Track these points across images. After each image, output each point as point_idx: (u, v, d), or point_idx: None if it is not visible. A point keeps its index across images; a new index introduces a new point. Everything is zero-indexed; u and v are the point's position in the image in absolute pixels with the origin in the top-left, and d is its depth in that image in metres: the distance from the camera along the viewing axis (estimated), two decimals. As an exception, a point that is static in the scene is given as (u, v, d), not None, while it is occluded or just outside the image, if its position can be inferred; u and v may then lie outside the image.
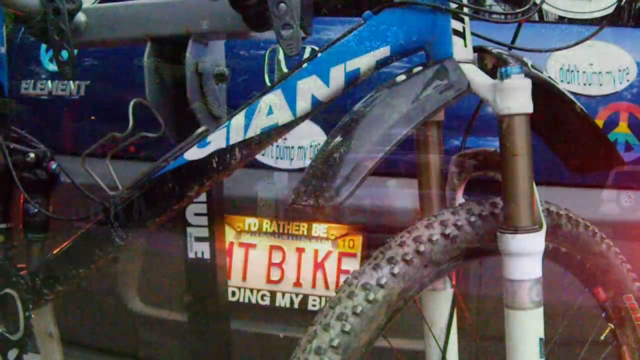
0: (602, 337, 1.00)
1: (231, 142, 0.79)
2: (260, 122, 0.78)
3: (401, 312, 0.71)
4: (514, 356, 0.74)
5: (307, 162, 1.26)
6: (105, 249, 0.88)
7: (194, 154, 0.81)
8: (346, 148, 0.69)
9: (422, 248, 0.70)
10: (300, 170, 1.27)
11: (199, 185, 0.83)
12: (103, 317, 1.39)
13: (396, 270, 0.68)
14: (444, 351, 0.83)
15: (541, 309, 0.73)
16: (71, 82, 1.39)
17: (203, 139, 0.81)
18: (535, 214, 0.72)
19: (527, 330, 0.73)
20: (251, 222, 1.30)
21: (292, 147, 1.26)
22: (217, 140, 0.80)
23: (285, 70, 1.25)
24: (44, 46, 1.44)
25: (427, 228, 0.72)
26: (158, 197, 0.84)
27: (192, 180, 0.82)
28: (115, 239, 0.86)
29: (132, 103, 0.85)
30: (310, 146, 1.25)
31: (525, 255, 0.71)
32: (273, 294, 1.30)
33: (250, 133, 0.78)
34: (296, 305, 1.29)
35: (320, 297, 1.27)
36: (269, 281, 1.30)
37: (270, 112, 0.78)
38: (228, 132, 0.79)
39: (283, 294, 1.29)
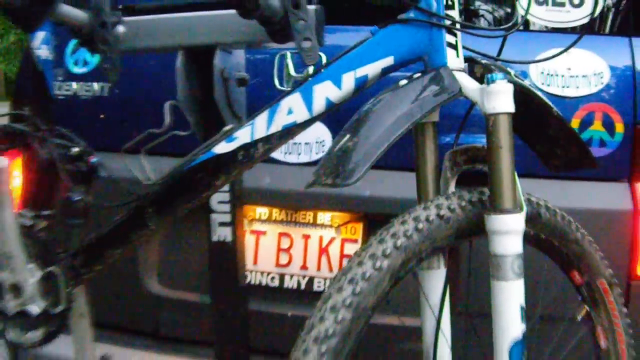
0: (579, 318, 1.13)
1: (255, 137, 0.91)
2: (281, 120, 0.90)
3: (402, 280, 0.84)
4: (499, 322, 0.87)
5: (313, 157, 1.39)
6: (140, 233, 1.00)
7: (222, 148, 0.93)
8: (357, 139, 0.82)
9: (420, 226, 0.83)
10: (307, 164, 1.39)
11: (226, 176, 0.95)
12: (124, 299, 1.50)
13: (399, 243, 0.81)
14: (438, 323, 0.95)
15: (522, 281, 0.86)
16: (95, 83, 1.51)
17: (230, 135, 0.93)
18: (517, 199, 0.85)
19: (510, 298, 0.86)
20: (262, 211, 1.43)
21: (300, 143, 1.38)
22: (242, 136, 0.92)
23: (292, 74, 1.38)
24: (68, 51, 1.55)
25: (424, 210, 0.85)
26: (189, 186, 0.96)
27: (220, 171, 0.94)
28: (149, 223, 0.99)
29: (167, 104, 0.97)
30: (316, 142, 1.38)
31: (508, 234, 0.84)
32: (282, 277, 1.42)
33: (272, 130, 0.91)
34: (303, 287, 1.41)
35: (324, 279, 1.40)
36: (277, 265, 1.43)
37: (290, 112, 0.90)
38: (253, 129, 0.91)
39: (291, 276, 1.42)
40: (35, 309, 1.01)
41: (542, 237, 0.97)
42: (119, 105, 1.48)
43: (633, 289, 1.33)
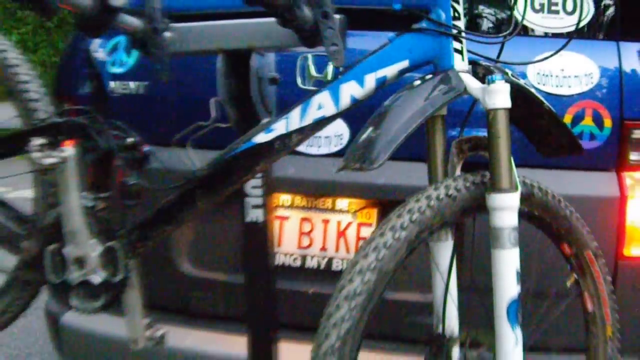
0: (568, 284, 1.30)
1: (290, 129, 1.08)
2: (313, 114, 1.07)
3: (416, 250, 1.01)
4: (499, 285, 1.04)
5: (332, 149, 1.56)
6: (188, 212, 1.17)
7: (261, 138, 1.09)
8: (380, 131, 0.99)
9: (432, 203, 1.00)
10: (326, 155, 1.56)
11: (265, 162, 1.12)
12: (157, 279, 1.67)
13: (414, 218, 0.98)
14: (446, 287, 1.12)
15: (517, 249, 1.03)
16: (131, 82, 1.67)
17: (268, 127, 1.10)
18: (512, 180, 1.02)
19: (507, 264, 1.02)
20: (285, 198, 1.60)
21: (320, 137, 1.55)
22: (279, 128, 1.08)
23: (313, 74, 1.55)
24: (107, 50, 1.72)
25: (435, 190, 1.02)
26: (232, 171, 1.13)
27: (259, 158, 1.11)
28: (197, 204, 1.15)
29: (212, 100, 1.14)
30: (335, 136, 1.54)
31: (505, 209, 1.01)
32: (303, 258, 1.59)
33: (305, 122, 1.07)
34: (322, 267, 1.58)
35: (342, 259, 1.57)
36: (299, 247, 1.59)
37: (320, 107, 1.07)
38: (288, 122, 1.08)
39: (311, 257, 1.59)
40: (97, 279, 1.18)
41: (535, 213, 1.14)
42: (153, 102, 1.64)
43: (620, 267, 1.49)
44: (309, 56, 1.54)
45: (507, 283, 1.03)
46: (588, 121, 1.48)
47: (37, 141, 1.12)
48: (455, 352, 1.13)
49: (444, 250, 1.11)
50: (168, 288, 1.67)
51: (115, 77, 1.71)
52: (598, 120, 1.48)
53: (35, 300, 1.39)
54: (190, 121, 1.20)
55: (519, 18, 1.21)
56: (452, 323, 1.13)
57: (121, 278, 1.18)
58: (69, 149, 1.15)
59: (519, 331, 1.03)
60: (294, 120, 1.08)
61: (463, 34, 1.05)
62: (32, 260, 1.23)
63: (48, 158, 1.12)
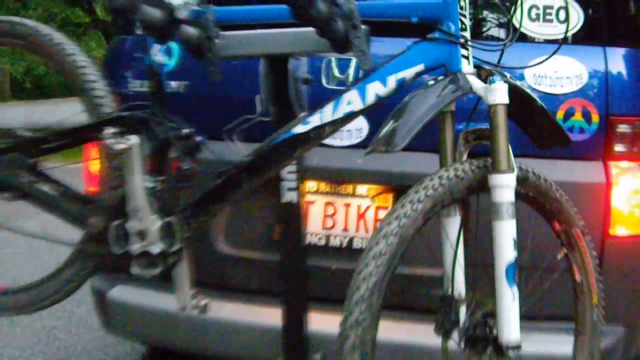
0: (559, 257, 1.52)
1: (324, 121, 1.30)
2: (343, 109, 1.29)
3: (430, 220, 1.23)
4: (498, 251, 1.26)
5: (353, 141, 1.78)
6: (235, 193, 1.40)
7: (299, 129, 1.32)
8: (401, 121, 1.22)
9: (443, 182, 1.22)
10: (347, 147, 1.78)
11: (301, 150, 1.35)
12: (196, 258, 1.89)
13: (428, 193, 1.20)
14: (455, 254, 1.35)
15: (514, 221, 1.25)
16: (172, 81, 1.90)
17: (304, 120, 1.32)
18: (510, 164, 1.25)
19: (505, 233, 1.25)
20: (311, 185, 1.82)
21: (342, 130, 1.76)
22: (314, 120, 1.31)
23: (337, 75, 1.78)
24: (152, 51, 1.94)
25: (446, 172, 1.25)
26: (274, 158, 1.36)
27: (297, 146, 1.34)
28: (243, 186, 1.38)
29: (257, 97, 1.37)
30: (355, 130, 1.77)
31: (504, 187, 1.24)
32: (327, 237, 1.82)
33: (336, 116, 1.30)
34: (344, 245, 1.81)
35: (362, 239, 1.79)
36: (324, 228, 1.82)
37: (349, 103, 1.29)
38: (322, 115, 1.30)
39: (334, 237, 1.82)
40: (155, 249, 1.40)
41: (530, 194, 1.36)
42: (191, 99, 1.87)
43: (606, 245, 1.72)
44: (333, 59, 1.77)
45: (506, 249, 1.25)
46: (578, 116, 1.71)
47: (109, 130, 1.35)
48: (463, 311, 1.36)
49: (452, 223, 1.34)
50: (205, 266, 1.90)
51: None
52: (587, 115, 1.70)
53: (95, 273, 1.62)
54: (225, 116, 1.43)
55: (517, 26, 1.44)
56: (460, 286, 1.35)
57: (176, 249, 1.41)
58: (133, 138, 1.38)
59: (515, 289, 1.26)
60: (327, 114, 1.30)
61: (469, 43, 1.27)
62: (97, 234, 1.46)
63: (118, 145, 1.35)
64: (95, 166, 1.83)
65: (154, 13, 1.24)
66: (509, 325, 1.26)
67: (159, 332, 1.94)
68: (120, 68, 2.03)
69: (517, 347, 1.27)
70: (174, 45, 1.85)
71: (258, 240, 1.86)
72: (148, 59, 1.48)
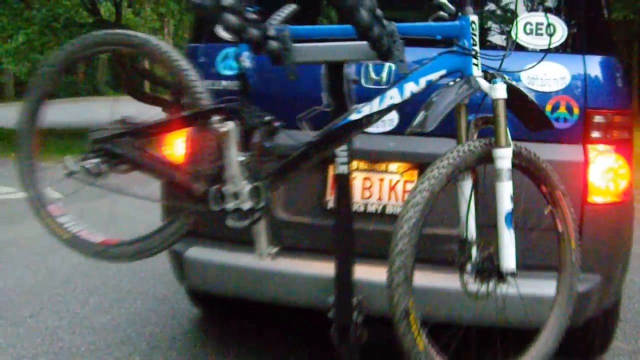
0: (545, 212, 2.06)
1: (372, 111, 1.84)
2: (387, 102, 1.84)
3: (450, 182, 1.79)
4: (500, 203, 1.80)
5: (386, 129, 2.33)
6: (307, 164, 1.93)
7: (354, 117, 1.85)
8: (430, 110, 1.77)
9: (460, 154, 1.76)
10: (381, 133, 2.32)
11: (355, 133, 1.89)
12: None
13: (450, 161, 1.75)
14: (467, 209, 1.91)
15: (511, 182, 1.79)
16: (236, 80, 2.44)
17: (358, 110, 1.86)
18: (507, 141, 1.80)
19: (505, 190, 1.79)
20: (353, 164, 2.37)
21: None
22: (365, 110, 1.85)
23: (372, 76, 2.33)
24: (219, 58, 2.49)
25: (462, 147, 1.79)
26: (334, 138, 1.90)
27: (351, 130, 1.87)
28: (312, 159, 1.93)
29: (323, 93, 1.94)
30: (388, 120, 2.30)
31: (504, 158, 1.78)
32: (366, 205, 2.36)
33: (382, 107, 1.84)
34: (379, 211, 2.35)
35: (393, 206, 2.34)
36: (362, 197, 2.36)
37: (391, 97, 1.83)
38: (371, 107, 1.84)
39: (371, 204, 2.36)
40: (246, 206, 1.94)
41: (523, 165, 1.91)
42: (266, 95, 2.41)
43: (585, 210, 2.26)
44: (370, 65, 2.33)
45: (505, 202, 1.80)
46: (562, 109, 2.26)
47: (215, 117, 1.91)
48: (474, 250, 1.91)
49: (466, 185, 1.89)
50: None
51: (227, 77, 2.50)
52: (569, 109, 2.26)
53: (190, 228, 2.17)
54: (294, 108, 1.99)
55: (514, 39, 2.00)
56: (472, 232, 1.91)
57: (262, 206, 1.96)
58: (231, 123, 1.93)
59: (512, 231, 1.81)
60: (375, 105, 1.85)
61: (479, 54, 1.84)
62: (200, 196, 2.01)
63: (221, 128, 1.91)
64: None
65: (255, 32, 1.80)
66: (508, 257, 1.81)
67: (226, 282, 2.48)
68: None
69: (513, 274, 1.82)
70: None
71: (308, 209, 2.42)
72: (239, 64, 2.02)
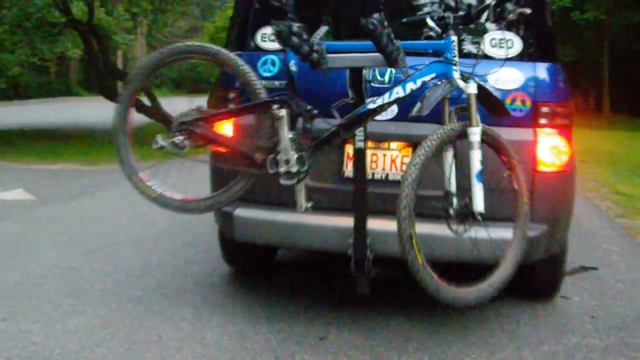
0: (505, 175, 3.02)
1: (384, 102, 2.74)
2: (394, 96, 2.72)
3: (440, 152, 2.74)
4: (472, 166, 2.69)
5: (388, 117, 3.27)
6: (337, 140, 2.80)
7: (371, 106, 2.74)
8: (425, 101, 2.67)
9: (445, 132, 2.65)
10: (385, 120, 3.24)
11: (371, 118, 2.80)
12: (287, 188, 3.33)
13: (438, 136, 2.64)
14: (450, 171, 2.85)
15: (480, 151, 2.70)
16: (275, 81, 3.37)
17: (374, 101, 2.77)
18: (477, 123, 2.73)
19: (476, 156, 2.70)
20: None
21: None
22: (379, 101, 2.73)
23: (379, 78, 3.27)
24: (260, 63, 3.42)
25: (446, 126, 2.74)
26: (356, 121, 2.78)
27: (368, 115, 2.75)
28: (341, 136, 2.85)
29: (349, 90, 2.90)
30: (390, 110, 3.24)
31: (475, 134, 2.68)
32: (373, 173, 3.23)
33: (390, 100, 2.73)
34: (383, 178, 3.24)
35: (394, 174, 3.24)
36: (370, 168, 3.24)
37: (397, 93, 2.73)
38: (383, 99, 2.74)
39: (378, 173, 3.24)
40: (294, 169, 2.79)
41: (488, 140, 2.85)
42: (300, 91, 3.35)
43: (535, 176, 3.16)
44: (376, 70, 3.27)
45: (476, 164, 2.72)
46: (518, 102, 3.19)
47: (275, 106, 2.85)
48: (455, 200, 2.87)
49: (449, 154, 2.83)
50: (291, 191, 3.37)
51: (265, 78, 3.41)
52: (523, 102, 3.18)
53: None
54: (324, 101, 2.94)
55: (483, 51, 2.98)
56: (453, 187, 2.84)
57: (305, 169, 2.89)
58: (283, 110, 2.86)
59: (482, 185, 2.74)
60: (385, 98, 2.77)
61: (457, 63, 2.80)
62: (259, 163, 2.92)
63: (279, 114, 2.84)
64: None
65: (305, 48, 2.73)
66: (478, 203, 2.73)
67: (266, 234, 3.36)
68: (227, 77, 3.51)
69: (482, 214, 2.76)
70: (277, 60, 3.35)
71: (329, 178, 3.34)
72: (288, 68, 2.95)
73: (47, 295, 3.92)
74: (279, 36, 2.62)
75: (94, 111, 24.79)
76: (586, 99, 32.77)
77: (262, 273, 4.36)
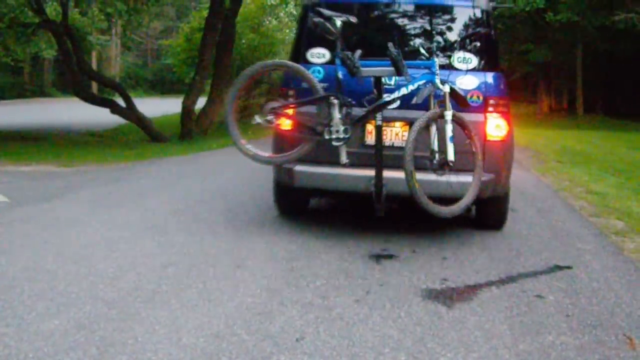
0: (467, 142, 5.55)
1: (393, 97, 5.25)
2: (401, 93, 5.24)
3: (428, 127, 5.31)
4: (446, 132, 5.17)
5: (394, 107, 5.87)
6: (368, 120, 5.38)
7: (387, 98, 5.25)
8: (419, 95, 5.23)
9: (430, 113, 5.14)
10: (392, 109, 5.74)
11: (386, 107, 5.26)
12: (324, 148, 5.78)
13: (427, 116, 5.11)
14: (435, 137, 5.42)
15: (452, 125, 5.16)
16: (322, 83, 5.91)
17: (388, 96, 5.26)
18: (449, 108, 5.21)
19: (449, 128, 5.18)
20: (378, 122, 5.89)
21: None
22: (391, 97, 5.24)
23: (388, 83, 5.79)
24: (310, 71, 5.93)
25: (431, 111, 5.30)
26: (379, 108, 5.26)
27: (385, 105, 5.24)
28: (370, 117, 5.34)
29: (374, 89, 5.48)
30: (396, 103, 5.83)
31: (448, 114, 5.19)
32: (383, 142, 5.74)
33: (398, 95, 5.23)
34: (391, 145, 5.74)
35: (398, 142, 5.68)
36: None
37: (401, 91, 5.26)
38: (393, 95, 5.27)
39: (387, 142, 5.71)
40: (341, 136, 5.21)
41: (457, 120, 5.26)
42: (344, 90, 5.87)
43: (486, 143, 5.71)
44: (386, 78, 5.79)
45: (449, 132, 5.16)
46: (475, 97, 5.67)
47: (332, 98, 5.29)
48: (437, 155, 5.32)
49: (433, 128, 5.27)
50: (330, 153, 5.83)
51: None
52: (478, 97, 5.69)
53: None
54: (355, 95, 5.48)
55: (454, 65, 5.58)
56: (435, 148, 5.29)
57: (348, 136, 5.33)
58: (336, 101, 5.28)
59: (452, 145, 5.15)
60: (394, 94, 5.24)
61: (438, 73, 5.31)
62: (320, 132, 5.33)
63: (334, 103, 5.34)
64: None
65: (351, 65, 5.27)
66: (450, 154, 5.16)
67: (316, 181, 5.84)
68: (292, 78, 5.98)
69: (452, 162, 5.21)
70: (322, 70, 5.87)
71: (356, 145, 5.72)
72: (337, 76, 5.46)
73: (20, 298, 4.05)
74: (344, 60, 5.16)
75: (68, 112, 27.72)
76: (560, 100, 35.70)
77: (302, 215, 6.71)
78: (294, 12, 25.21)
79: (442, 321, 3.91)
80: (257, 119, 5.44)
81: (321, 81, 5.72)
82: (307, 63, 5.94)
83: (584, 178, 10.29)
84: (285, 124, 5.66)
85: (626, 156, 14.17)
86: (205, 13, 20.94)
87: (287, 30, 26.42)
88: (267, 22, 25.36)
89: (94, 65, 33.25)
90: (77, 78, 17.88)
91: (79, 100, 17.84)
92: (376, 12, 6.23)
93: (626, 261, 5.50)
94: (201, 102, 18.48)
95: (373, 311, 4.08)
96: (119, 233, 5.89)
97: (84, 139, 17.73)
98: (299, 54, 6.11)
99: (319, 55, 5.98)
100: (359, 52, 5.43)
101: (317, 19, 5.32)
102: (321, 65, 5.91)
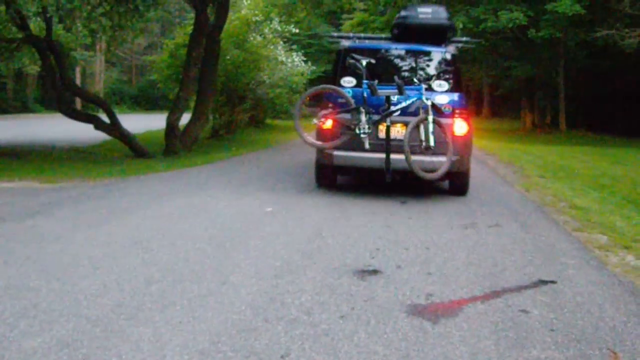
0: (443, 135, 9.57)
1: (396, 108, 9.65)
2: (401, 106, 9.67)
3: (418, 126, 9.25)
4: (430, 129, 9.46)
5: (397, 114, 9.95)
6: (384, 119, 9.64)
7: (392, 109, 9.60)
8: (412, 107, 9.72)
9: (420, 118, 9.56)
10: (395, 116, 9.85)
11: (392, 113, 9.65)
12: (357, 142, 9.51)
13: (416, 120, 9.55)
14: (424, 133, 9.41)
15: (433, 124, 9.55)
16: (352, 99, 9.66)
17: (394, 107, 9.63)
18: (431, 115, 9.59)
19: (430, 127, 9.54)
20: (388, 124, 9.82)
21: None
22: (395, 108, 9.63)
23: (394, 99, 9.70)
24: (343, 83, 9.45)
25: (420, 116, 9.49)
26: (388, 115, 9.58)
27: (392, 113, 9.65)
28: (383, 120, 9.70)
29: (385, 103, 9.22)
30: (397, 112, 9.44)
31: (430, 117, 9.55)
32: (390, 136, 9.85)
33: (399, 107, 9.64)
34: (395, 138, 9.86)
35: (399, 137, 9.81)
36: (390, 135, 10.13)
37: (401, 104, 9.64)
38: (397, 107, 9.64)
39: (392, 137, 9.82)
40: (367, 131, 9.55)
41: (437, 122, 9.76)
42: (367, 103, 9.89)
43: (454, 138, 9.92)
44: (391, 95, 9.88)
45: (430, 129, 9.56)
46: (447, 108, 10.10)
47: (361, 108, 9.54)
48: (424, 144, 9.48)
49: (422, 127, 9.62)
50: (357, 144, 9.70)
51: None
52: (449, 108, 10.15)
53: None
54: (374, 107, 9.79)
55: (433, 87, 7.32)
56: (423, 139, 9.51)
57: (370, 132, 9.71)
58: (362, 109, 9.65)
59: (433, 136, 9.45)
60: (397, 106, 9.70)
61: (425, 93, 9.39)
62: (353, 128, 9.62)
63: (362, 110, 9.57)
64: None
65: (373, 90, 8.79)
66: (431, 142, 9.57)
67: (348, 161, 10.06)
68: (329, 95, 10.12)
69: (433, 147, 9.52)
70: (351, 91, 9.96)
71: (372, 137, 9.83)
72: (364, 94, 9.61)
73: (2, 316, 4.11)
74: (369, 86, 9.28)
75: (51, 128, 27.94)
76: (543, 116, 36.12)
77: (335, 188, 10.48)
78: (279, 29, 25.50)
79: (428, 337, 4.07)
80: (315, 120, 9.75)
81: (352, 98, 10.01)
82: (340, 87, 10.02)
83: (567, 193, 10.99)
84: (328, 124, 9.85)
85: (609, 171, 15.02)
86: (189, 29, 21.34)
87: (272, 47, 26.54)
88: (252, 39, 25.71)
89: (78, 81, 33.27)
90: (60, 94, 18.13)
91: (63, 116, 18.48)
92: (386, 55, 10.66)
93: (610, 275, 5.73)
94: (185, 118, 19.15)
95: (358, 327, 4.29)
96: (103, 250, 6.06)
97: (68, 155, 18.29)
98: (335, 81, 10.24)
99: (349, 81, 10.08)
100: (376, 80, 9.55)
101: (351, 61, 9.61)
102: (350, 88, 10.01)
